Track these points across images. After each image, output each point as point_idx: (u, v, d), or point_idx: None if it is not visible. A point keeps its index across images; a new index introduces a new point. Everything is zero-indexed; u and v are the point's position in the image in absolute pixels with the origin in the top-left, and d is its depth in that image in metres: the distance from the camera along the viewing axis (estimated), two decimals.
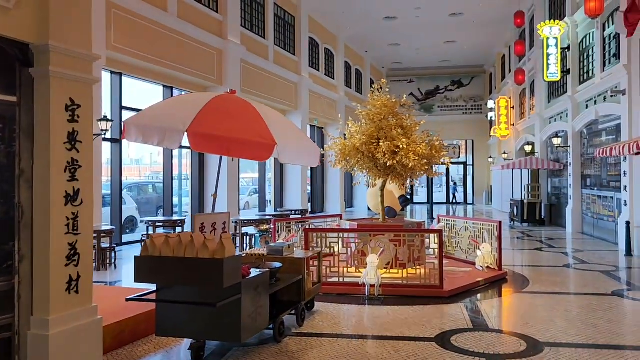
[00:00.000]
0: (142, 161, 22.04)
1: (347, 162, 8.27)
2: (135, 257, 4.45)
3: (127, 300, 4.54)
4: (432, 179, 18.09)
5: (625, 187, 11.39)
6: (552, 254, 11.24)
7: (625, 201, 11.35)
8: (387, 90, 8.42)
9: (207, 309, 4.41)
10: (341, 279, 7.30)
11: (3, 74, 3.80)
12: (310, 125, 21.97)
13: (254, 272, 4.87)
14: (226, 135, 4.61)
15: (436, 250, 7.87)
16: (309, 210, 20.66)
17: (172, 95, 14.05)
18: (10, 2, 3.70)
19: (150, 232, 11.64)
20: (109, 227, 9.82)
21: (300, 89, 19.92)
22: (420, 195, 33.51)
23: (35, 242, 3.96)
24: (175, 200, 15.41)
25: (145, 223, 12.00)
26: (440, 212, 23.45)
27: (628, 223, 10.91)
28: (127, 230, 14.94)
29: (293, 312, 5.67)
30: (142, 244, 4.38)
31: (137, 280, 4.46)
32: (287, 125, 5.33)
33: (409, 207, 26.05)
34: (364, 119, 8.23)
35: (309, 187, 22.10)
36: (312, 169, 22.86)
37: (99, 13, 10.17)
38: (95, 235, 9.18)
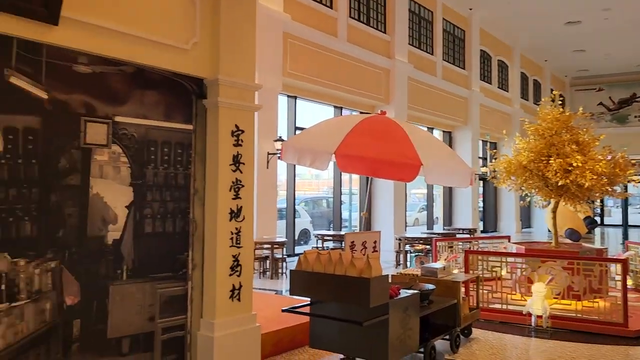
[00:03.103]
0: (320, 176, 23.13)
1: (513, 180, 7.78)
2: (291, 271, 4.75)
3: (283, 311, 4.86)
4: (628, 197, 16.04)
5: None
6: None
7: None
8: (560, 102, 7.76)
9: (354, 326, 4.51)
10: (504, 306, 6.85)
11: (183, 106, 4.40)
12: (483, 141, 21.10)
13: (404, 292, 4.85)
14: (371, 156, 4.70)
15: (620, 283, 6.97)
16: (480, 229, 19.75)
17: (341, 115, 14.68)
18: (189, 44, 4.28)
19: (320, 245, 12.25)
20: (282, 239, 10.58)
21: (470, 103, 19.30)
22: (614, 216, 29.74)
23: (205, 253, 4.48)
24: (346, 214, 15.95)
25: (316, 236, 12.70)
26: (635, 237, 20.60)
27: None
28: (302, 242, 15.82)
29: (447, 337, 5.49)
30: (297, 259, 4.67)
31: (292, 293, 4.74)
32: (436, 145, 5.21)
33: (597, 230, 23.38)
34: (532, 134, 7.69)
35: (480, 204, 21.12)
36: (484, 184, 21.87)
37: (277, 44, 11.13)
38: (269, 246, 10.03)
